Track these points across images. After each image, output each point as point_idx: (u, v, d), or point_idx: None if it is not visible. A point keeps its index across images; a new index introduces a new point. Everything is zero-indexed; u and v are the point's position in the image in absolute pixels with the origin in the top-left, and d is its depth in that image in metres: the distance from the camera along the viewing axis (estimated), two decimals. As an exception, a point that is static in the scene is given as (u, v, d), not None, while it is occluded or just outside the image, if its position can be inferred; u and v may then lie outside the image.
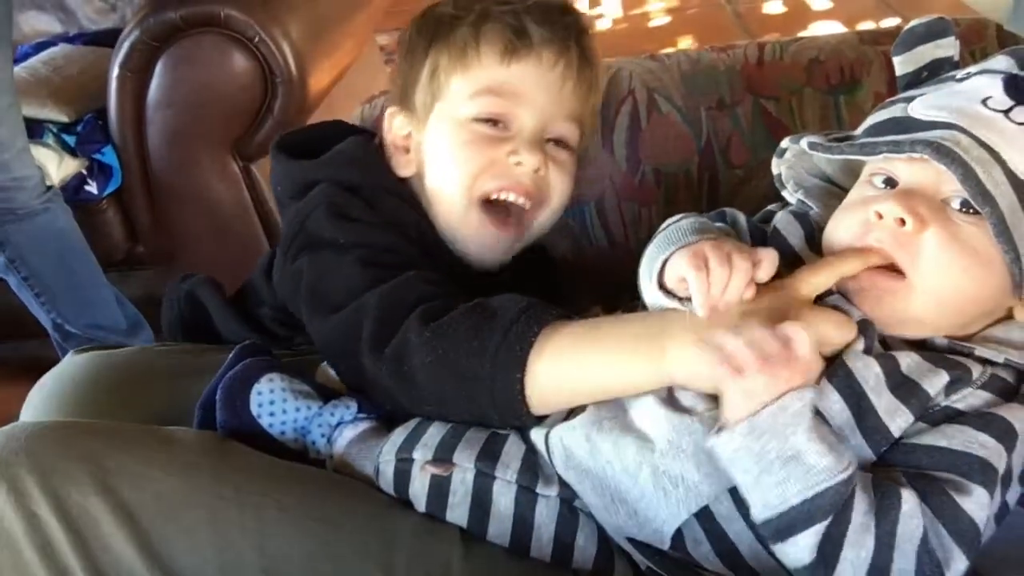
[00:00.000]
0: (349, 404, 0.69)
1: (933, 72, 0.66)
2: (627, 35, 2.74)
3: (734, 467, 0.55)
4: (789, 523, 0.54)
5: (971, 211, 0.59)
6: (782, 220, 0.70)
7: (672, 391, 0.62)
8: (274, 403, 0.68)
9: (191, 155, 1.48)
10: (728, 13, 2.77)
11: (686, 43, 2.58)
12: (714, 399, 0.59)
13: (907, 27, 0.67)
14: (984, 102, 0.60)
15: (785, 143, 0.70)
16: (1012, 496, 0.59)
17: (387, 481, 0.65)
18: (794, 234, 0.68)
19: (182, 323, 0.90)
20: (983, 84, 0.61)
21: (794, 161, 0.71)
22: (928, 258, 0.59)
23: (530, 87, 0.76)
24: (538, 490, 0.63)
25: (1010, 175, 0.57)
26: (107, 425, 0.67)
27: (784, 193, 0.72)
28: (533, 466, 0.63)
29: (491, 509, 0.63)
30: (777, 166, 0.72)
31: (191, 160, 1.49)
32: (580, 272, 0.95)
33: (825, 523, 0.53)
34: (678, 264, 0.61)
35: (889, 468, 0.57)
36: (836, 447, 0.54)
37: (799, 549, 0.54)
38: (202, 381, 0.70)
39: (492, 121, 0.77)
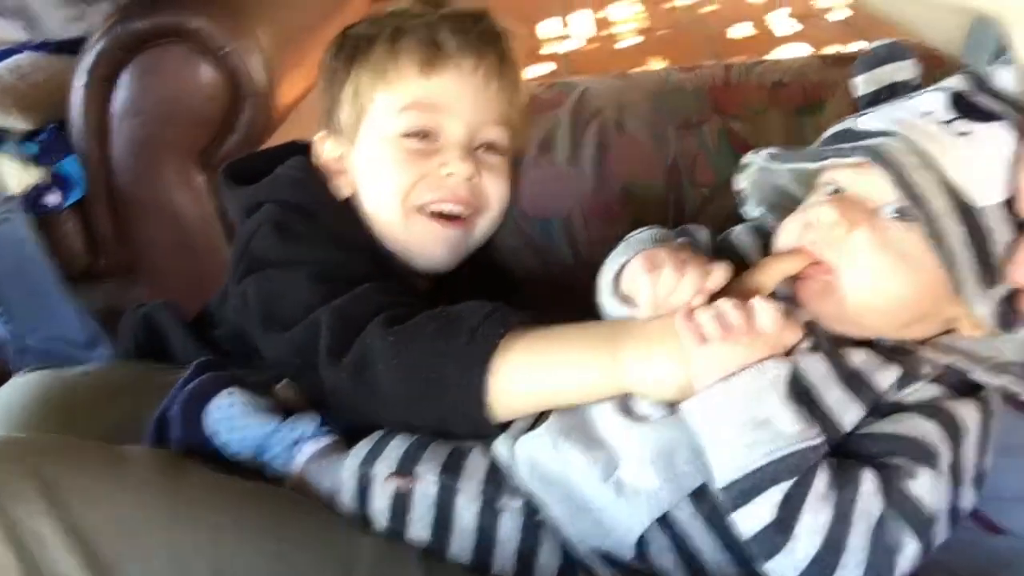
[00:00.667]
0: (311, 419, 0.68)
1: (893, 94, 0.68)
2: (597, 55, 2.76)
3: (704, 430, 0.57)
4: (753, 485, 0.55)
5: (905, 218, 0.61)
6: (739, 233, 0.72)
7: (628, 399, 0.62)
8: (233, 418, 0.67)
9: (156, 166, 1.46)
10: (698, 35, 2.81)
11: (656, 64, 2.61)
12: (669, 406, 0.60)
13: (869, 47, 0.70)
14: (927, 114, 0.62)
15: (747, 158, 0.71)
16: (966, 501, 0.60)
17: (348, 497, 0.64)
18: (749, 246, 0.71)
19: (137, 348, 0.88)
20: (930, 99, 0.63)
21: (758, 177, 0.72)
22: (856, 257, 0.61)
23: (453, 96, 0.77)
24: (501, 504, 0.62)
25: (943, 182, 0.59)
26: (57, 441, 0.65)
27: (745, 209, 0.74)
28: (497, 479, 0.63)
29: (453, 524, 0.62)
30: (740, 182, 0.73)
31: (155, 171, 1.46)
32: (546, 289, 0.95)
33: (789, 483, 0.55)
34: (635, 266, 0.63)
35: (839, 458, 0.58)
36: (807, 419, 0.56)
37: (760, 508, 0.55)
38: (158, 399, 0.69)
39: (420, 135, 0.77)
